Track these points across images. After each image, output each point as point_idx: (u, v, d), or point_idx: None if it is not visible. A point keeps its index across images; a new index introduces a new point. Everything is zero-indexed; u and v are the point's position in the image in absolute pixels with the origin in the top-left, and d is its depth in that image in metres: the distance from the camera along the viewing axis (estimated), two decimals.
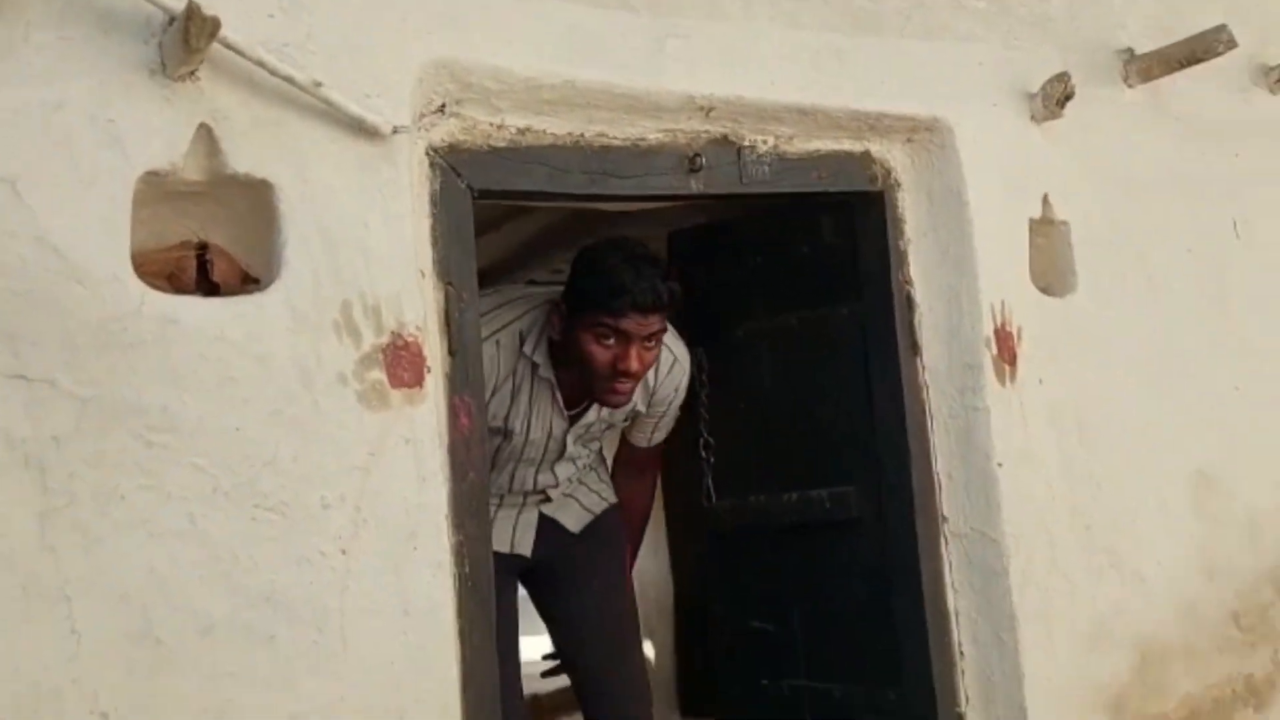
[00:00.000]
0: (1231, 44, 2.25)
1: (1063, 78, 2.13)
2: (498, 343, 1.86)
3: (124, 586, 1.20)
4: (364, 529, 1.33)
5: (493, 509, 1.75)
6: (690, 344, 2.21)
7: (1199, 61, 2.30)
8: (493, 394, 1.83)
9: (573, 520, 2.16)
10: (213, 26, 1.20)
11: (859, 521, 2.08)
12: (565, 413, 1.98)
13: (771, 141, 1.86)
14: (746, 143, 1.84)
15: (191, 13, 1.18)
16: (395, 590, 1.35)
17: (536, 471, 2.05)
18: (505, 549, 2.03)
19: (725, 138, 1.81)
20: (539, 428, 1.96)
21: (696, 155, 1.77)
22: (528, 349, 1.90)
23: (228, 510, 1.26)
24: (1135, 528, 2.17)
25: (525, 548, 2.11)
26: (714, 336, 2.30)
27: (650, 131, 1.73)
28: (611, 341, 1.79)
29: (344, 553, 1.32)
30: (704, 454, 2.34)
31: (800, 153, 1.90)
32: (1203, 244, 2.40)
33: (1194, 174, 2.41)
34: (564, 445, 2.02)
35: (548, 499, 2.13)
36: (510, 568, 2.01)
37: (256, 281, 1.38)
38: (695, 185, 1.79)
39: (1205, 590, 2.29)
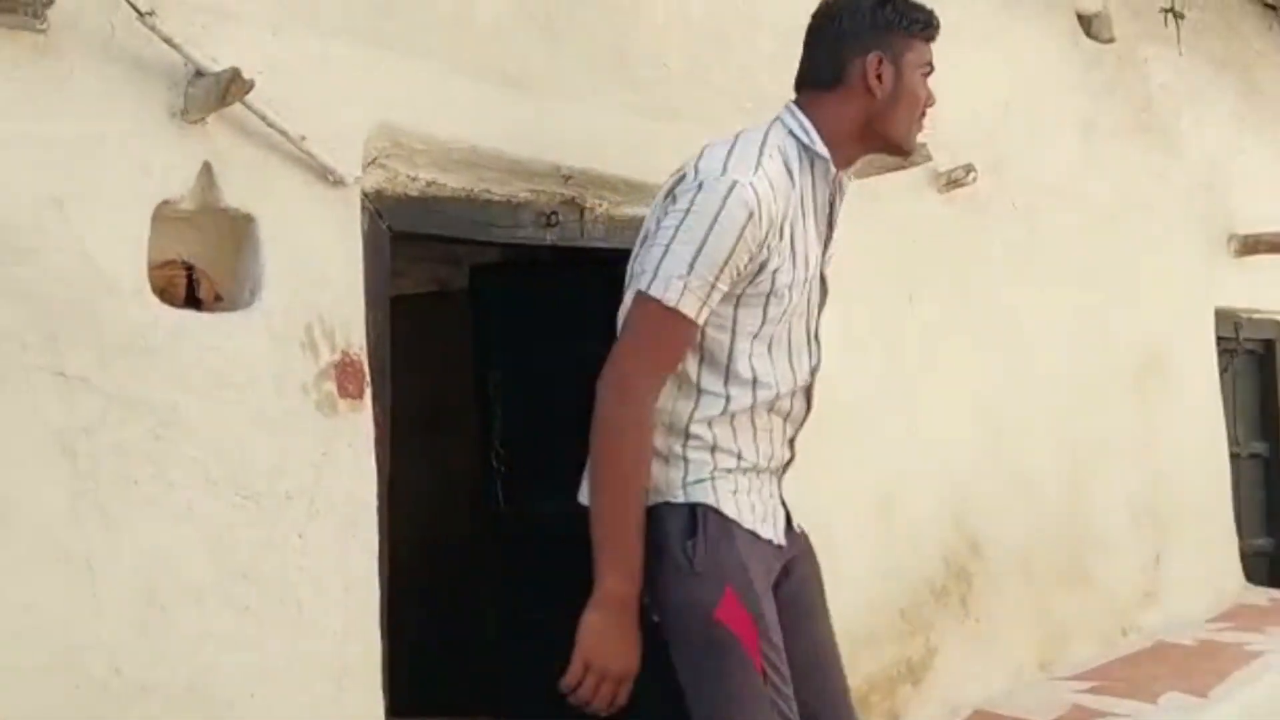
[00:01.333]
0: (928, 158, 3.06)
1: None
2: (766, 175, 1.59)
3: (136, 559, 1.48)
4: (317, 517, 1.68)
5: (731, 478, 1.62)
6: (489, 367, 2.66)
7: (901, 169, 3.08)
8: (764, 248, 1.58)
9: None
10: (248, 88, 1.52)
11: None
12: (826, 212, 1.75)
13: (606, 206, 2.37)
14: (588, 205, 2.34)
15: (235, 76, 1.49)
16: (339, 569, 1.70)
17: (806, 346, 1.75)
18: (769, 536, 1.69)
19: (574, 200, 2.30)
20: (803, 260, 1.67)
21: (553, 213, 2.25)
22: (801, 147, 1.69)
23: (216, 497, 1.56)
24: (834, 539, 2.87)
25: (780, 534, 1.74)
26: (513, 360, 2.75)
27: (521, 190, 2.18)
28: (928, 73, 1.74)
29: (300, 536, 1.65)
30: (495, 464, 2.79)
31: (626, 216, 2.42)
32: (893, 307, 3.19)
33: (886, 252, 3.20)
34: (823, 279, 1.77)
35: (791, 459, 1.80)
36: (771, 565, 1.71)
37: (220, 300, 1.68)
38: (549, 238, 2.26)
39: (883, 589, 3.05)
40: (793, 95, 1.79)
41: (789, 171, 1.64)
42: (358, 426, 1.76)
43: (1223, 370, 4.84)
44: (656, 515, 1.63)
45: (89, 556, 1.44)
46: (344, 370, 1.74)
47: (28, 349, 1.40)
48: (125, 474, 1.48)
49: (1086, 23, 4.37)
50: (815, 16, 1.79)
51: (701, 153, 1.66)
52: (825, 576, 2.66)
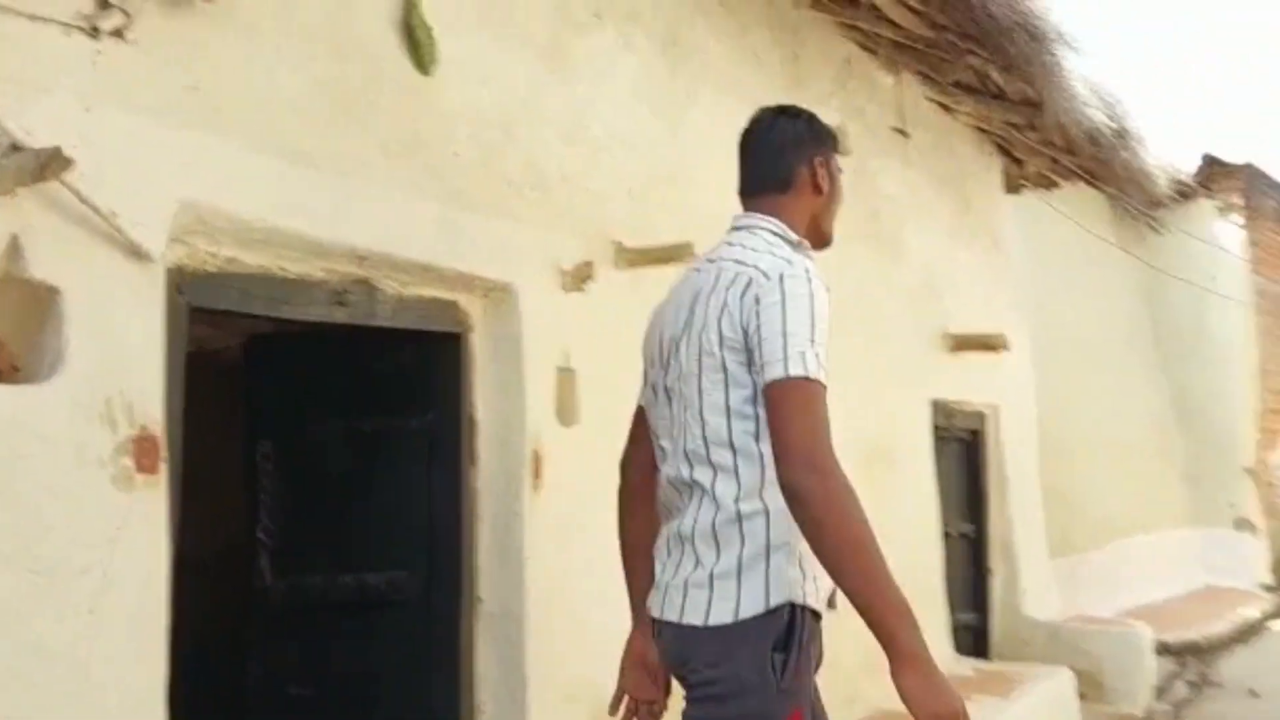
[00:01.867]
0: (693, 256, 3.36)
1: (589, 264, 3.05)
2: (810, 273, 1.79)
3: None
4: (109, 591, 1.70)
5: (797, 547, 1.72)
6: (259, 438, 2.71)
7: (672, 262, 3.37)
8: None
9: None
10: (67, 165, 1.58)
11: (409, 602, 2.72)
12: None
13: (396, 287, 2.50)
14: (379, 285, 2.46)
15: (56, 154, 1.55)
16: (130, 643, 1.73)
17: None
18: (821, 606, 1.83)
19: (366, 280, 2.42)
20: None
21: (345, 292, 2.36)
22: (791, 245, 1.88)
23: (8, 571, 1.57)
24: (591, 614, 3.05)
25: None
26: (284, 433, 2.80)
27: (316, 269, 2.28)
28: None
29: (92, 611, 1.67)
30: (262, 537, 2.81)
31: (414, 297, 2.56)
32: None
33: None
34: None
35: None
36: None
37: (17, 370, 1.70)
38: (340, 315, 2.36)
39: None
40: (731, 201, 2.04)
41: None
42: (152, 501, 1.80)
43: (936, 457, 5.41)
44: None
45: None
46: (141, 445, 1.78)
47: None
48: None
49: None
50: (752, 131, 2.05)
51: (739, 264, 1.83)
52: (579, 650, 2.84)
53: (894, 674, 1.64)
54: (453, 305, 2.70)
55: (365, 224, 2.34)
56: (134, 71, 1.87)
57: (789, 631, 1.73)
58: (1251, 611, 8.36)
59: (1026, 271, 7.14)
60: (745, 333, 1.77)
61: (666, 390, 1.93)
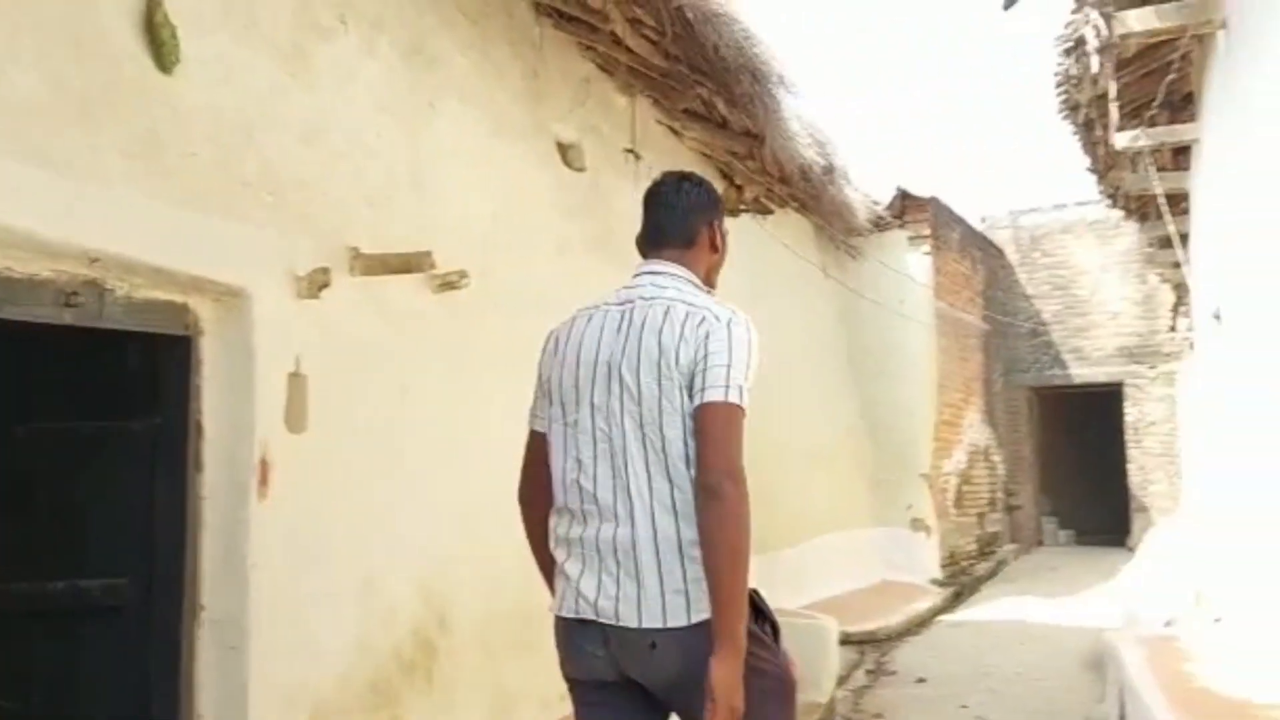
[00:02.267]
0: (433, 265, 3.44)
1: (325, 270, 3.08)
2: (749, 323, 2.18)
3: None
4: None
5: None
6: None
7: (410, 271, 3.44)
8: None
9: None
10: None
11: (127, 608, 2.66)
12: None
13: (127, 288, 2.45)
14: (109, 286, 2.41)
15: None
16: None
17: None
18: None
19: (96, 281, 2.36)
20: None
21: (74, 293, 2.30)
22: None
23: None
24: (312, 620, 3.09)
25: None
26: None
27: (45, 269, 2.21)
28: None
29: None
30: None
31: (143, 299, 2.52)
32: (388, 399, 3.51)
33: (385, 347, 3.52)
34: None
35: None
36: None
37: None
38: (68, 317, 2.30)
39: (357, 663, 3.31)
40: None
41: None
42: None
43: None
44: None
45: None
46: None
47: None
48: None
49: (564, 151, 5.07)
50: (659, 193, 2.41)
51: (678, 300, 2.20)
52: (301, 655, 2.88)
53: (718, 659, 1.98)
54: (183, 308, 2.67)
55: (97, 225, 2.29)
56: None
57: (755, 607, 2.13)
58: (922, 605, 9.26)
59: (741, 290, 7.61)
60: (694, 361, 2.12)
61: (592, 408, 2.20)
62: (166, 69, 2.57)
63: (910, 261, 10.23)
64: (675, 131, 6.25)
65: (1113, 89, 7.24)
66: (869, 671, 7.48)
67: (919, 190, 10.52)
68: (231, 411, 2.79)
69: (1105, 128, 7.99)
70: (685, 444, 2.12)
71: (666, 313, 2.18)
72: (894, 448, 10.54)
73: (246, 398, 2.80)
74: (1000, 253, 13.74)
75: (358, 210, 3.43)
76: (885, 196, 10.08)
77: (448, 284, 3.82)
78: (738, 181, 6.99)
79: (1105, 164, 9.38)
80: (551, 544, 2.27)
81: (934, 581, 10.31)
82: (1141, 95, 7.40)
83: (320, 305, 3.09)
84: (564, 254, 4.86)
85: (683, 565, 2.10)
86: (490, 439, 4.02)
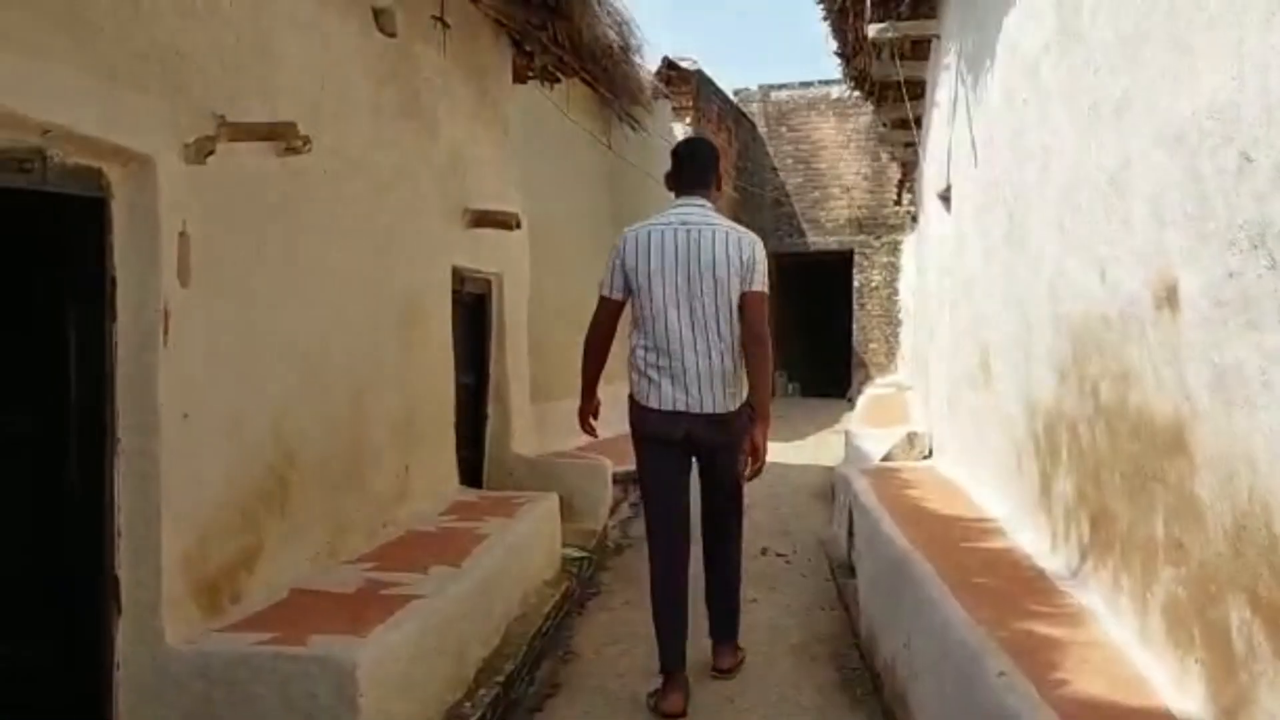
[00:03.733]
0: (297, 136, 3.77)
1: (210, 138, 3.38)
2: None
3: None
4: None
5: None
6: None
7: (274, 140, 3.74)
8: None
9: None
10: None
11: (44, 441, 2.99)
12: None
13: (60, 155, 2.74)
14: (50, 154, 2.69)
15: None
16: None
17: None
18: None
19: (40, 149, 2.64)
20: None
21: (26, 160, 2.57)
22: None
23: None
24: (199, 453, 3.46)
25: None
26: None
27: (6, 140, 2.48)
28: None
29: None
30: None
31: (74, 164, 2.80)
32: (243, 256, 3.83)
33: (238, 211, 3.82)
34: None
35: None
36: None
37: None
38: (21, 182, 2.58)
39: (229, 493, 3.72)
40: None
41: None
42: None
43: (452, 317, 6.20)
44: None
45: None
46: None
47: None
48: None
49: (377, 16, 5.32)
50: (686, 153, 4.41)
51: (722, 232, 4.19)
52: (191, 485, 3.29)
53: (759, 428, 4.14)
54: (98, 172, 2.95)
55: (46, 98, 2.56)
56: None
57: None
58: None
59: (521, 153, 8.06)
60: (746, 266, 4.12)
61: (677, 292, 4.06)
62: None
63: (675, 131, 10.91)
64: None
65: None
66: (631, 504, 8.38)
67: (682, 62, 11.14)
68: (138, 267, 3.10)
69: (859, 16, 8.84)
70: (733, 314, 4.11)
71: (725, 235, 4.16)
72: None
73: (152, 255, 3.12)
74: (752, 125, 14.68)
75: (219, 78, 3.69)
76: (651, 66, 10.65)
77: (291, 149, 4.13)
78: (528, 48, 7.36)
79: (853, 49, 10.29)
80: (641, 366, 4.16)
81: None
82: None
83: (202, 170, 3.40)
84: (378, 118, 5.19)
85: (728, 383, 4.14)
86: (325, 293, 4.45)
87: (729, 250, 4.08)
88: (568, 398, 9.31)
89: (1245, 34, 2.39)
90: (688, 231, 4.09)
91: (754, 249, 4.16)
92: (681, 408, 4.06)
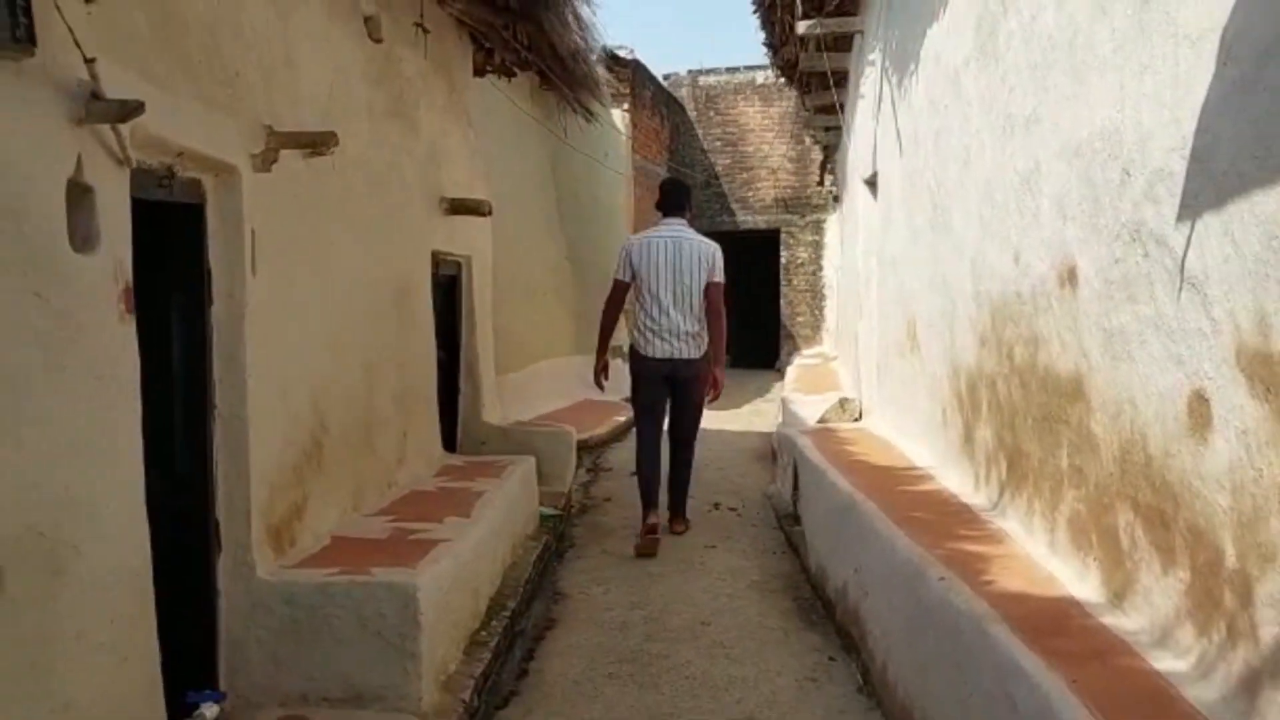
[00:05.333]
0: (336, 143, 4.37)
1: (274, 150, 3.98)
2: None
3: None
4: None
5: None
6: None
7: (315, 147, 4.35)
8: None
9: None
10: (140, 111, 2.40)
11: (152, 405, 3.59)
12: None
13: (181, 171, 3.33)
14: (177, 171, 3.28)
15: (137, 105, 2.38)
16: (126, 413, 2.62)
17: None
18: None
19: (171, 167, 3.24)
20: None
21: (165, 177, 3.17)
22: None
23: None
24: (267, 418, 4.08)
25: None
26: None
27: (152, 160, 3.09)
28: None
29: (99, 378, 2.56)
30: None
31: (186, 178, 3.40)
32: (288, 248, 4.43)
33: (283, 208, 4.41)
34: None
35: None
36: None
37: None
38: (159, 194, 3.17)
39: (284, 454, 4.33)
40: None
41: None
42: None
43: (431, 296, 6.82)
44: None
45: None
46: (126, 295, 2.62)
47: None
48: None
49: (366, 23, 5.90)
50: (670, 189, 6.95)
51: (695, 242, 6.64)
52: (263, 445, 3.91)
53: (717, 369, 6.61)
54: (199, 183, 3.55)
55: (179, 125, 3.16)
56: None
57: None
58: (620, 418, 11.00)
59: (480, 141, 8.67)
60: (709, 265, 6.56)
61: (668, 281, 6.49)
62: None
63: (615, 117, 11.58)
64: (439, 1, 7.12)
65: None
66: (589, 470, 9.10)
67: (619, 51, 11.81)
68: (226, 261, 3.71)
69: (789, 11, 9.59)
70: (700, 297, 6.50)
71: (697, 245, 6.58)
72: (594, 284, 12.08)
73: (238, 251, 3.73)
74: (682, 109, 15.40)
75: (263, 93, 4.29)
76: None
77: (316, 152, 4.74)
78: (488, 45, 7.96)
79: (780, 40, 11.06)
80: (641, 328, 6.57)
81: (627, 399, 12.09)
82: None
83: (267, 177, 4.00)
84: (371, 119, 5.78)
85: (697, 340, 6.54)
86: (341, 278, 5.06)
87: (699, 255, 6.54)
88: (512, 371, 10.05)
89: (1125, 78, 3.18)
90: (675, 242, 6.55)
91: (715, 254, 6.57)
92: (666, 355, 6.51)
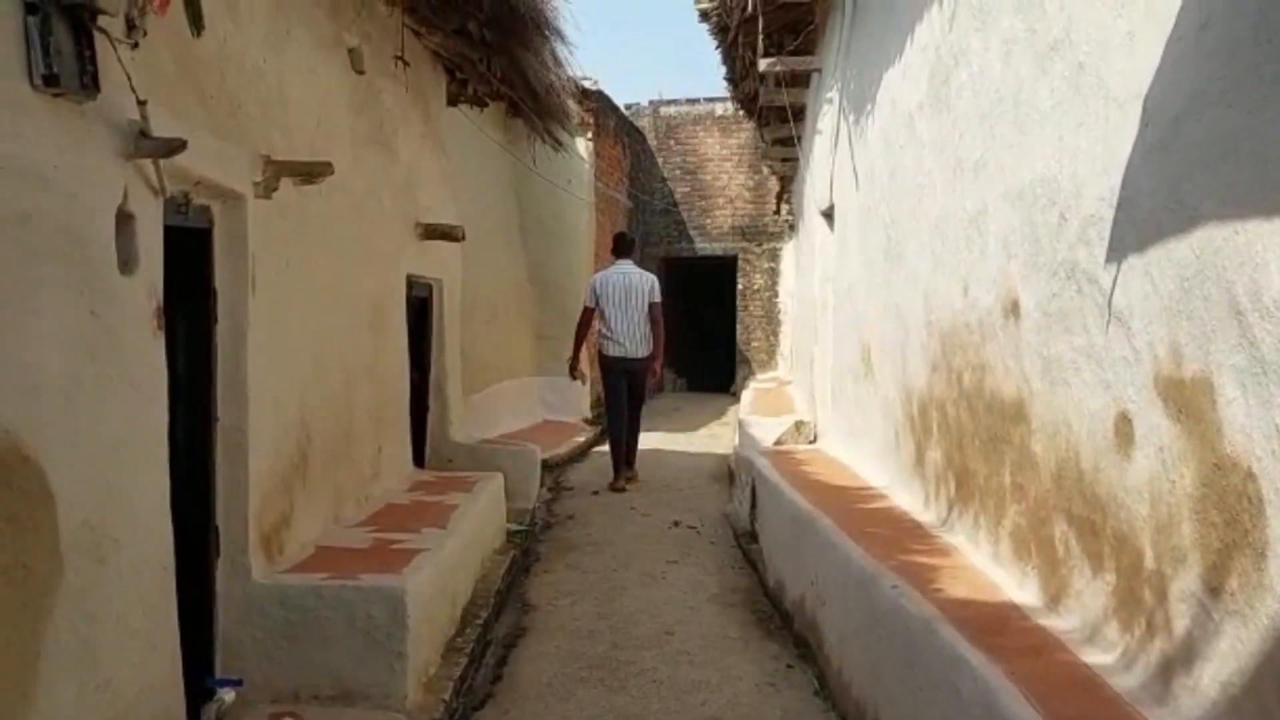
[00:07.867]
0: (331, 172, 4.64)
1: (275, 178, 4.24)
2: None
3: None
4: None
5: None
6: None
7: (311, 175, 4.61)
8: None
9: None
10: (183, 148, 2.67)
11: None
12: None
13: (194, 198, 3.59)
14: (192, 198, 3.54)
15: (180, 143, 2.65)
16: (152, 404, 2.88)
17: None
18: None
19: (188, 194, 3.50)
20: None
21: (183, 204, 3.42)
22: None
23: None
24: (261, 428, 4.32)
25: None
26: None
27: (174, 188, 3.35)
28: None
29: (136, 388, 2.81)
30: None
31: (198, 204, 3.66)
32: (279, 270, 4.68)
33: (275, 231, 4.66)
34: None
35: None
36: None
37: None
38: (177, 220, 3.43)
39: (274, 464, 4.57)
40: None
41: None
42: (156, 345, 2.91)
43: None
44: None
45: None
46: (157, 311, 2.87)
47: None
48: None
49: (349, 56, 6.18)
50: (622, 241, 9.92)
51: (638, 275, 9.60)
52: (256, 453, 4.16)
53: (657, 362, 9.67)
54: (208, 208, 3.81)
55: (199, 158, 3.42)
56: None
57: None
58: (580, 438, 11.28)
59: (451, 167, 8.96)
60: (650, 292, 9.48)
61: (621, 305, 9.37)
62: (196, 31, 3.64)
63: (578, 145, 11.92)
64: (417, 33, 7.41)
65: (762, 23, 9.21)
66: (550, 489, 9.36)
67: (584, 82, 12.15)
68: (231, 282, 3.96)
69: (751, 49, 9.99)
70: (645, 313, 9.40)
71: (640, 277, 9.55)
72: (554, 306, 12.39)
73: (241, 272, 3.98)
74: (643, 138, 15.78)
75: (260, 123, 4.55)
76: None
77: (307, 180, 5.00)
78: (461, 76, 8.26)
79: (741, 75, 11.46)
80: (605, 337, 9.45)
81: (585, 420, 12.39)
82: (779, 21, 9.41)
83: (265, 202, 4.26)
84: (354, 145, 6.05)
85: (644, 342, 9.45)
86: (324, 298, 5.32)
87: (643, 286, 9.50)
88: (476, 391, 10.32)
89: (1064, 132, 3.55)
90: (625, 276, 9.53)
91: (654, 282, 9.60)
92: (622, 355, 9.44)
